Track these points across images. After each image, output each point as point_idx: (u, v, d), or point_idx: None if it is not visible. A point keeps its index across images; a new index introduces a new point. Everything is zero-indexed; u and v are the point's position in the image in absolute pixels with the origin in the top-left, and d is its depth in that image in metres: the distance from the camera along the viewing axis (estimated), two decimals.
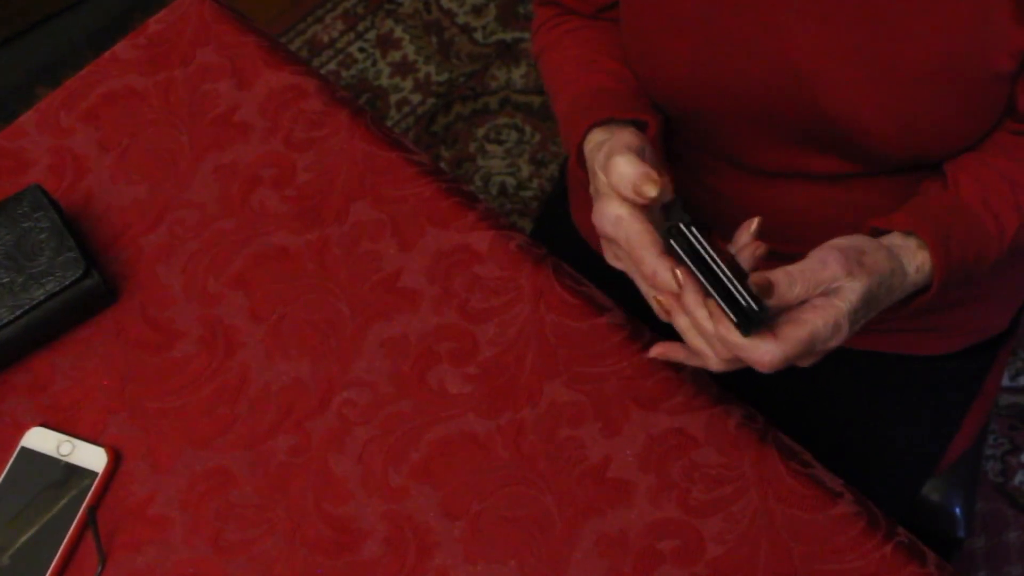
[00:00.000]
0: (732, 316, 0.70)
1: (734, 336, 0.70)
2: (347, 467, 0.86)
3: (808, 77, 0.80)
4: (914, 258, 0.78)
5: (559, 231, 1.13)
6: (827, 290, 0.72)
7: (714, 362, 0.74)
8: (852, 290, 0.72)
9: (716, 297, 0.70)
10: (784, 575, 0.79)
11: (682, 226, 0.70)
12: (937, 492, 1.12)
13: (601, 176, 0.76)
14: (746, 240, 0.74)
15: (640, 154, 0.75)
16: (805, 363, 0.74)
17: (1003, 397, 1.64)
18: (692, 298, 0.72)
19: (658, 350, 0.79)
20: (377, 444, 0.86)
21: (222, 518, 0.85)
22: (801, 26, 0.79)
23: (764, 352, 0.70)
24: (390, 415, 0.87)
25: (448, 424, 0.87)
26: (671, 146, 0.95)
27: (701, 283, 0.70)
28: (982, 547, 1.55)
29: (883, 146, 0.82)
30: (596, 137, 0.82)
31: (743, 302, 0.69)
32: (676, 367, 0.87)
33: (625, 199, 0.73)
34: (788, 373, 0.98)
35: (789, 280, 0.71)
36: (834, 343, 0.73)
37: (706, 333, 0.73)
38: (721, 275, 0.70)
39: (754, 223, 0.74)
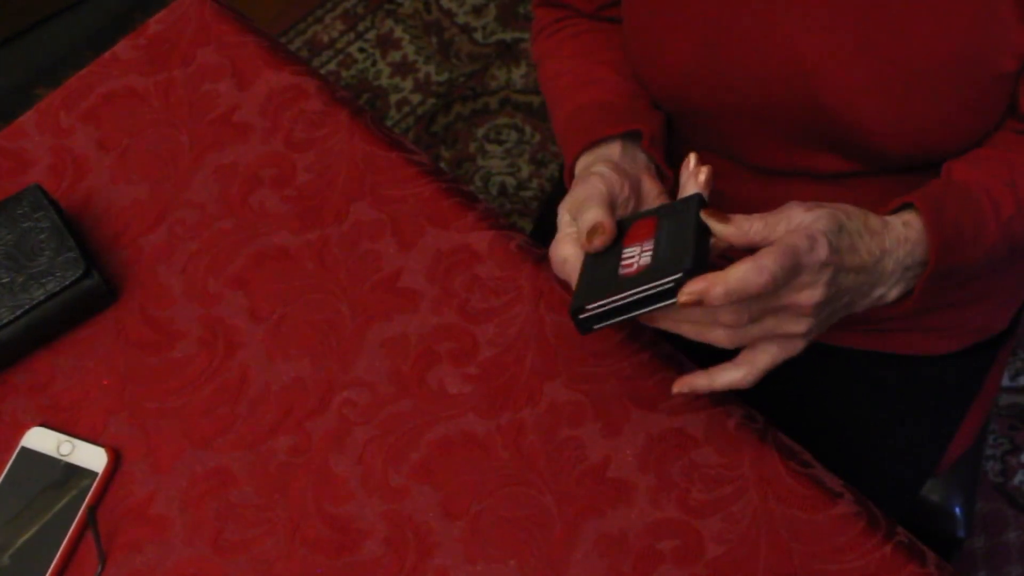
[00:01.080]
0: (673, 279, 0.69)
1: (728, 282, 0.68)
2: (347, 467, 0.86)
3: (811, 75, 0.80)
4: (899, 216, 0.77)
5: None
6: (791, 228, 0.72)
7: (722, 335, 0.72)
8: (816, 216, 0.72)
9: (662, 305, 0.70)
10: (784, 575, 0.79)
11: (581, 319, 0.72)
12: (937, 492, 1.12)
13: (563, 214, 0.79)
14: (686, 175, 0.76)
15: (610, 192, 0.77)
16: (808, 296, 0.71)
17: (1003, 397, 1.64)
18: (672, 323, 0.73)
19: (679, 385, 0.77)
20: (377, 444, 0.86)
21: (222, 518, 0.85)
22: (805, 24, 0.79)
23: (757, 269, 0.68)
24: (390, 415, 0.87)
25: (448, 424, 0.87)
26: (673, 146, 0.95)
27: (645, 312, 0.70)
28: (982, 547, 1.55)
29: (885, 145, 0.82)
30: (583, 162, 0.85)
31: (672, 283, 0.68)
32: (676, 367, 0.87)
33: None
34: (788, 373, 0.98)
35: (747, 217, 0.72)
36: (819, 255, 0.70)
37: (699, 318, 0.73)
38: (640, 295, 0.69)
39: (691, 159, 0.77)
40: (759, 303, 0.71)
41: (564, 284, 0.91)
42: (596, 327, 0.72)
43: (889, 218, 0.77)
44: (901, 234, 0.77)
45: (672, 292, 0.69)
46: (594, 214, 0.75)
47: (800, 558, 0.80)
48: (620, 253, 0.73)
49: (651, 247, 0.72)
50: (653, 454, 0.84)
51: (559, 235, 0.79)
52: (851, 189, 0.88)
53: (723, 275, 0.68)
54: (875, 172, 0.86)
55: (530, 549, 0.82)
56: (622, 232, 0.76)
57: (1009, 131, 0.83)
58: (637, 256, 0.72)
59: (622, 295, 0.70)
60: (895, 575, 0.79)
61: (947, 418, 1.04)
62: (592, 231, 0.75)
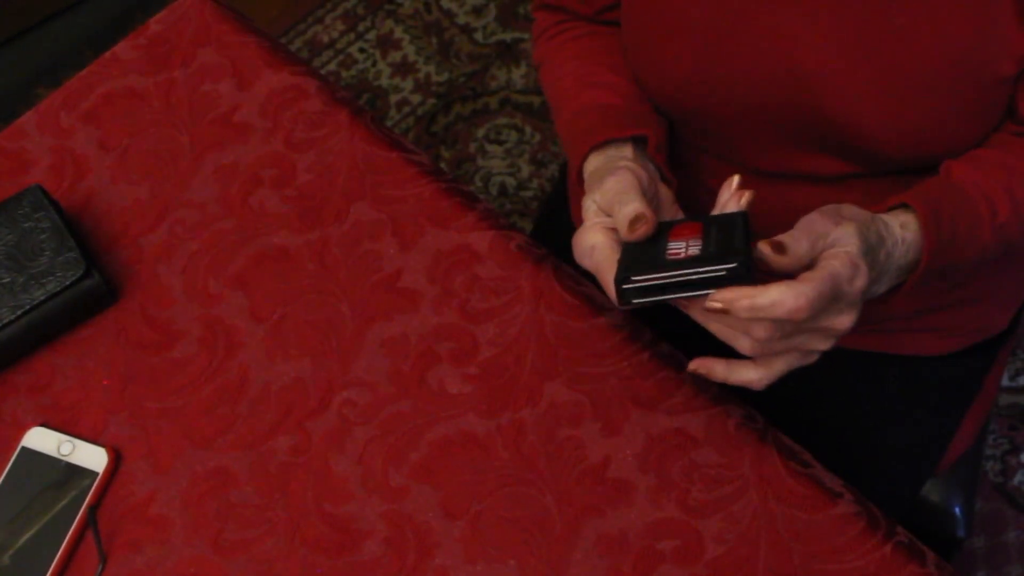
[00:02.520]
0: (724, 269, 0.69)
1: (761, 297, 0.68)
2: (347, 467, 0.86)
3: (811, 79, 0.80)
4: (897, 217, 0.77)
5: (559, 231, 1.13)
6: (826, 246, 0.72)
7: (747, 345, 0.72)
8: (848, 234, 0.72)
9: (698, 271, 0.69)
10: (784, 575, 0.79)
11: (625, 288, 0.71)
12: (937, 492, 1.12)
13: (590, 205, 0.78)
14: (728, 195, 0.75)
15: (641, 184, 0.77)
16: (842, 320, 0.71)
17: (1003, 397, 1.64)
18: (695, 308, 0.72)
19: (696, 364, 0.76)
20: (377, 444, 0.86)
21: (222, 518, 0.85)
22: (805, 28, 0.79)
23: (796, 295, 0.68)
24: (390, 415, 0.87)
25: (448, 424, 0.87)
26: (672, 149, 0.95)
27: (686, 297, 0.71)
28: (982, 547, 1.55)
29: (884, 148, 0.82)
30: (593, 162, 0.84)
31: (724, 272, 0.68)
32: (676, 367, 0.87)
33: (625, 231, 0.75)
34: (788, 372, 0.97)
35: (793, 237, 0.71)
36: (860, 283, 0.71)
37: (732, 323, 0.72)
38: (690, 277, 0.69)
39: (734, 180, 0.75)
40: (795, 324, 0.70)
41: (575, 278, 0.91)
42: (636, 301, 0.72)
43: (888, 219, 0.77)
44: (899, 236, 0.77)
45: (722, 280, 0.69)
46: (636, 205, 0.74)
47: (800, 558, 0.80)
48: (665, 245, 0.73)
49: (699, 243, 0.72)
50: (653, 454, 0.84)
51: (587, 224, 0.77)
52: (851, 191, 0.88)
53: (753, 291, 0.68)
54: (874, 174, 0.86)
55: (530, 549, 0.82)
56: (663, 231, 0.76)
57: (1008, 133, 0.83)
58: (684, 248, 0.72)
59: (671, 273, 0.70)
60: (895, 575, 0.79)
61: (947, 418, 1.04)
62: (635, 220, 0.74)
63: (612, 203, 0.76)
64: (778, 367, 0.74)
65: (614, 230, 0.76)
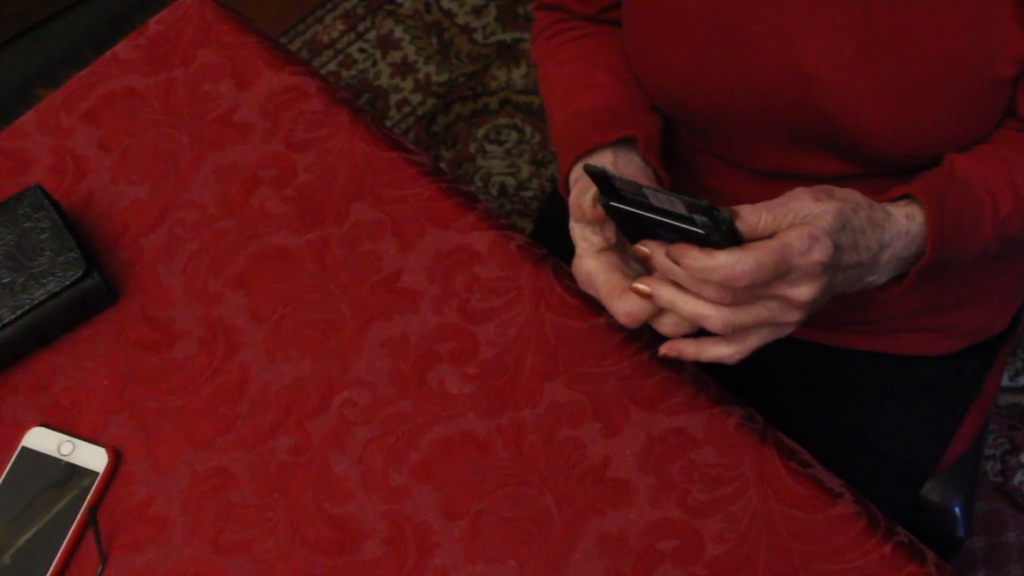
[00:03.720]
0: (696, 230, 0.68)
1: (703, 259, 0.68)
2: (347, 467, 0.86)
3: (811, 79, 0.80)
4: (902, 208, 0.77)
5: (559, 231, 1.13)
6: (794, 222, 0.71)
7: (716, 321, 0.71)
8: (824, 211, 0.71)
9: (672, 222, 0.69)
10: (784, 575, 0.80)
11: (604, 181, 0.70)
12: (937, 492, 1.12)
13: (572, 227, 0.79)
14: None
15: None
16: (800, 292, 0.71)
17: (1003, 397, 1.64)
18: (659, 257, 0.72)
19: (667, 347, 0.76)
20: (377, 444, 0.86)
21: (222, 518, 0.85)
22: (805, 28, 0.79)
23: (734, 261, 0.68)
24: (390, 415, 0.87)
25: (448, 424, 0.87)
26: (671, 148, 0.95)
27: (655, 219, 0.69)
28: (982, 547, 1.55)
29: (884, 148, 0.82)
30: (577, 171, 0.84)
31: (701, 208, 0.68)
32: (676, 367, 0.87)
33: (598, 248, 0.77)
34: (788, 373, 0.98)
35: (754, 209, 0.71)
36: (817, 256, 0.70)
37: (685, 280, 0.72)
38: (667, 198, 0.68)
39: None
40: (742, 290, 0.70)
41: (565, 285, 0.91)
42: (613, 203, 0.72)
43: (893, 209, 0.77)
44: (903, 227, 0.76)
45: (695, 222, 0.68)
46: (592, 192, 0.75)
47: (800, 558, 0.80)
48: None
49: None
50: (653, 454, 0.84)
51: (578, 252, 0.78)
52: None
53: (716, 268, 0.68)
54: (873, 174, 0.86)
55: (530, 549, 0.82)
56: None
57: (1008, 129, 0.84)
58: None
59: (660, 190, 0.69)
60: (895, 575, 0.79)
61: (947, 418, 1.04)
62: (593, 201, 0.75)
63: (581, 211, 0.77)
64: (752, 342, 0.74)
65: (602, 250, 0.77)
